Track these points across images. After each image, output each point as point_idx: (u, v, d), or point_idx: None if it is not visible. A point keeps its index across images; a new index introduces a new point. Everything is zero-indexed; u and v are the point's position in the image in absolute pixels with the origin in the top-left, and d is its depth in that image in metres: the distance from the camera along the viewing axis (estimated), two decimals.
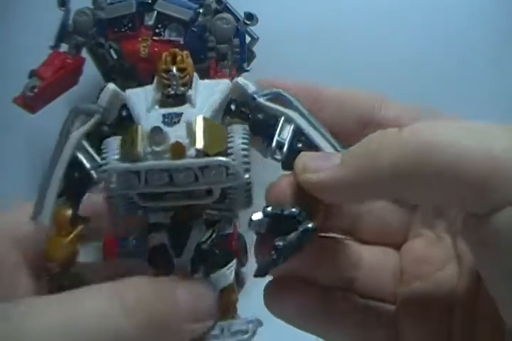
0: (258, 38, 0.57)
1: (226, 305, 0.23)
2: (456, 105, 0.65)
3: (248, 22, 0.55)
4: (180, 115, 0.22)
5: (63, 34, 0.54)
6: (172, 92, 0.23)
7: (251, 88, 0.24)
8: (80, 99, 0.57)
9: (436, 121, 0.20)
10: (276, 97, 0.24)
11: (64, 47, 0.55)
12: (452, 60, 0.65)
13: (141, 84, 0.25)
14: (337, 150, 0.23)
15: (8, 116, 0.60)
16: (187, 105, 0.23)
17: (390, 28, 0.65)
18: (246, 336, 0.23)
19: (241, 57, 0.56)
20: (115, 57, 0.56)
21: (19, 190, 0.54)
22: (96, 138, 0.24)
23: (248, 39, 0.57)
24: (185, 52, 0.24)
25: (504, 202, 0.17)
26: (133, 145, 0.21)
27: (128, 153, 0.21)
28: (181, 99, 0.23)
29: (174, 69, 0.23)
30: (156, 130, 0.21)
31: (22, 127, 0.63)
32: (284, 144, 0.23)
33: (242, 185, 0.23)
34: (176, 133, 0.21)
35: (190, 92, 0.23)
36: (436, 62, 0.65)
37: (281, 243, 0.21)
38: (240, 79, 0.24)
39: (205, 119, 0.22)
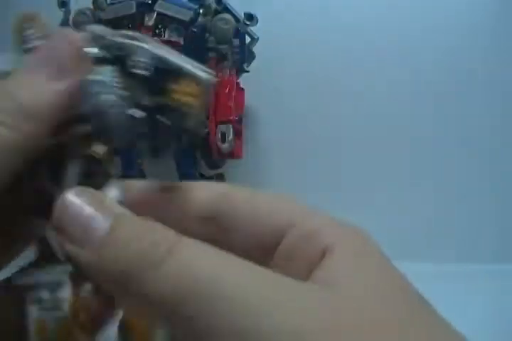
0: (258, 38, 0.57)
1: None
2: (456, 103, 0.65)
3: (248, 22, 0.55)
4: None
5: None
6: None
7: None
8: None
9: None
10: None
11: None
12: (453, 59, 0.65)
13: None
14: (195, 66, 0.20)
15: None
16: None
17: (390, 27, 0.65)
18: None
19: (241, 58, 0.56)
20: None
21: None
22: None
23: (248, 39, 0.57)
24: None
25: None
26: None
27: None
28: None
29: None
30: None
31: None
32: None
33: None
34: None
35: None
36: (437, 58, 0.65)
37: None
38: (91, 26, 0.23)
39: None
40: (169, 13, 0.53)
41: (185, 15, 0.53)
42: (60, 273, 0.20)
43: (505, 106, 0.65)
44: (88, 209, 0.16)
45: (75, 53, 0.18)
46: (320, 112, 0.66)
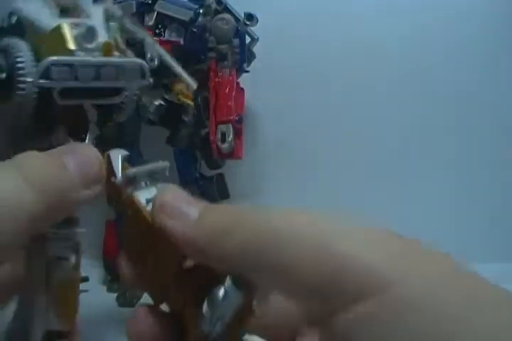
0: (258, 38, 0.57)
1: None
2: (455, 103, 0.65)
3: (248, 22, 0.55)
4: (84, 24, 0.24)
5: None
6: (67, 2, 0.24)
7: (119, 12, 0.27)
8: None
9: (295, 212, 0.19)
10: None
11: None
12: (452, 58, 0.65)
13: None
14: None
15: None
16: (84, 17, 0.25)
17: (389, 28, 0.65)
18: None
19: (241, 58, 0.56)
20: None
21: None
22: None
23: (248, 39, 0.57)
24: None
25: (343, 304, 0.16)
26: (63, 42, 0.22)
27: (58, 49, 0.22)
28: (76, 11, 0.25)
29: None
30: (91, 29, 0.23)
31: None
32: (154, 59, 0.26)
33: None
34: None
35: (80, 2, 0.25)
36: (437, 57, 0.65)
37: None
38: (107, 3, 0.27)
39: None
40: (169, 13, 0.53)
41: (185, 15, 0.53)
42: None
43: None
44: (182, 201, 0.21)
45: (99, 168, 0.23)
46: (320, 112, 0.66)
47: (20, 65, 0.23)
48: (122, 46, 0.25)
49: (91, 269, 0.53)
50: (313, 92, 0.65)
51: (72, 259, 0.27)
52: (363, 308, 0.16)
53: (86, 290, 0.43)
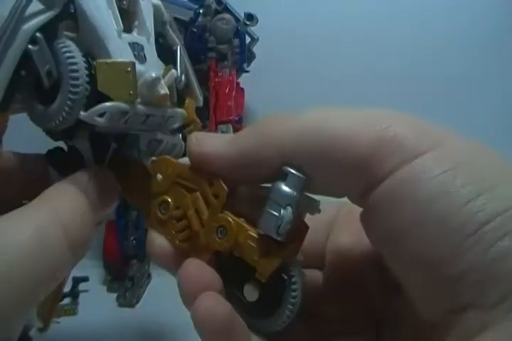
0: (258, 38, 0.57)
1: None
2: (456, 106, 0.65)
3: (248, 22, 0.55)
4: (142, 48, 0.23)
5: None
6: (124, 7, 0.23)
7: (166, 14, 0.27)
8: None
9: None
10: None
11: None
12: (451, 62, 0.65)
13: None
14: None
15: None
16: (142, 35, 0.24)
17: (389, 29, 0.65)
18: None
19: (241, 58, 0.56)
20: None
21: None
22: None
23: (248, 39, 0.57)
24: None
25: (384, 175, 0.17)
26: (127, 88, 0.21)
27: (119, 89, 0.21)
28: (134, 15, 0.24)
29: None
30: (157, 80, 0.22)
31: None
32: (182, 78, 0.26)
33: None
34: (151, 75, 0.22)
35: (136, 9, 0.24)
36: (435, 59, 0.65)
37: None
38: (157, 2, 0.26)
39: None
40: (169, 13, 0.53)
41: (185, 15, 0.53)
42: None
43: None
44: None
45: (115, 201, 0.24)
46: None
47: (74, 89, 0.21)
48: (174, 94, 0.24)
49: (91, 269, 0.53)
50: (314, 92, 0.65)
51: None
52: (393, 181, 0.17)
53: (86, 290, 0.44)
